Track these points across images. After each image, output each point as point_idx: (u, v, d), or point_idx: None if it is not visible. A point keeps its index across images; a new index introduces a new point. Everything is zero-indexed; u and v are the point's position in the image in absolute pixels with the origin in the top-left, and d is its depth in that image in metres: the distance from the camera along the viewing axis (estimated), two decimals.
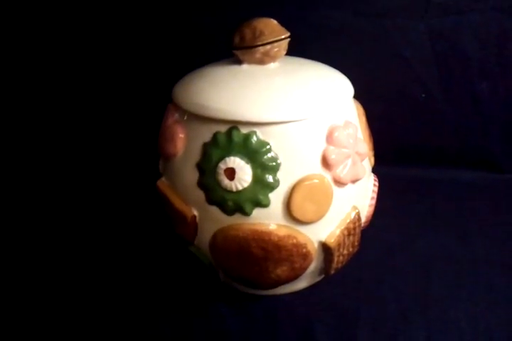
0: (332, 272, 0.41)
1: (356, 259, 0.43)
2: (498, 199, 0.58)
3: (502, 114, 0.59)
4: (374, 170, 0.44)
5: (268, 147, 0.34)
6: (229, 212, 0.35)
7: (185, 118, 0.37)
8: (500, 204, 0.57)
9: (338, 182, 0.36)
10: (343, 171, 0.36)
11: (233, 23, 0.38)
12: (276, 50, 0.37)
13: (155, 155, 0.41)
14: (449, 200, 0.58)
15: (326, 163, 0.35)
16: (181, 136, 0.37)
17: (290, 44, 0.37)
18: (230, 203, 0.35)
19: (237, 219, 0.36)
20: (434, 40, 0.55)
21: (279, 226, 0.36)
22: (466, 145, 0.62)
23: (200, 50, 0.53)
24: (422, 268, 0.47)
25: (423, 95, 0.58)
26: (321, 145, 0.35)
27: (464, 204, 0.57)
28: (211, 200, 0.36)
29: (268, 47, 0.36)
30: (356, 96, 0.40)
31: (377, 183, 0.43)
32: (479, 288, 0.45)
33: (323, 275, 0.44)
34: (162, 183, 0.40)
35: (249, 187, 0.34)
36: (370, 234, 0.45)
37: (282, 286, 0.40)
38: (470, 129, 0.61)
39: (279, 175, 0.35)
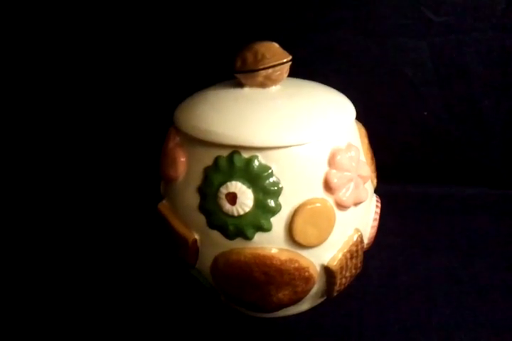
0: (334, 294, 0.40)
1: (359, 280, 0.43)
2: (501, 215, 0.58)
3: (504, 131, 0.59)
4: (376, 189, 0.43)
5: (270, 171, 0.34)
6: (230, 236, 0.35)
7: (186, 142, 0.37)
8: (504, 220, 0.57)
9: (341, 206, 0.36)
10: (345, 195, 0.36)
11: (235, 46, 0.38)
12: (278, 73, 0.37)
13: (156, 177, 0.41)
14: (452, 218, 0.57)
15: (328, 186, 0.35)
16: (182, 159, 0.37)
17: (292, 64, 0.37)
18: (232, 228, 0.35)
19: (238, 243, 0.35)
20: (437, 58, 0.55)
21: (281, 250, 0.35)
22: (469, 162, 0.62)
23: (202, 72, 0.53)
24: (425, 290, 0.46)
25: (425, 113, 0.58)
26: (323, 169, 0.35)
27: (467, 221, 0.57)
28: (212, 224, 0.36)
29: (270, 70, 0.36)
30: (358, 116, 0.40)
31: (379, 204, 0.43)
32: (483, 310, 0.44)
33: (325, 297, 0.43)
34: (163, 206, 0.40)
35: (250, 211, 0.34)
36: (373, 254, 0.45)
37: (284, 309, 0.40)
38: (473, 146, 0.60)
39: (281, 199, 0.34)
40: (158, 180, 0.41)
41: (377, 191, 0.44)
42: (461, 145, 0.60)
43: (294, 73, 0.39)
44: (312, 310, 0.44)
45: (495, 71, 0.55)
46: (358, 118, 0.40)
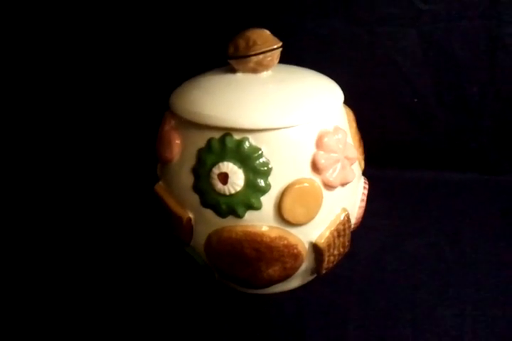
0: (323, 272, 0.42)
1: (347, 259, 0.45)
2: (488, 200, 0.59)
3: (492, 117, 0.60)
4: (365, 173, 0.45)
5: (260, 152, 0.36)
6: (223, 214, 0.37)
7: (181, 125, 0.38)
8: (491, 205, 0.58)
9: (328, 186, 0.37)
10: (332, 175, 0.37)
11: (228, 33, 0.39)
12: (269, 59, 0.38)
13: (153, 160, 0.42)
14: (440, 202, 0.59)
15: (315, 167, 0.36)
16: (177, 142, 0.38)
17: (283, 51, 0.39)
18: (224, 206, 0.36)
19: (230, 221, 0.37)
20: (426, 46, 0.56)
21: (271, 227, 0.37)
22: (458, 147, 0.63)
23: (197, 59, 0.54)
24: (411, 268, 0.48)
25: (415, 100, 0.59)
26: (311, 150, 0.36)
27: (454, 205, 0.58)
28: (206, 203, 0.37)
29: (261, 56, 0.38)
30: (349, 102, 0.41)
31: (367, 186, 0.44)
32: (467, 287, 0.46)
33: (314, 275, 0.45)
34: (159, 187, 0.41)
35: (241, 190, 0.36)
36: (361, 235, 0.47)
37: (275, 285, 0.42)
38: (461, 132, 0.62)
39: (271, 179, 0.36)
40: (155, 162, 0.43)
41: (365, 175, 0.45)
42: (449, 131, 0.62)
43: (285, 61, 0.41)
44: (302, 288, 0.46)
45: (482, 58, 0.56)
46: (349, 103, 0.42)
